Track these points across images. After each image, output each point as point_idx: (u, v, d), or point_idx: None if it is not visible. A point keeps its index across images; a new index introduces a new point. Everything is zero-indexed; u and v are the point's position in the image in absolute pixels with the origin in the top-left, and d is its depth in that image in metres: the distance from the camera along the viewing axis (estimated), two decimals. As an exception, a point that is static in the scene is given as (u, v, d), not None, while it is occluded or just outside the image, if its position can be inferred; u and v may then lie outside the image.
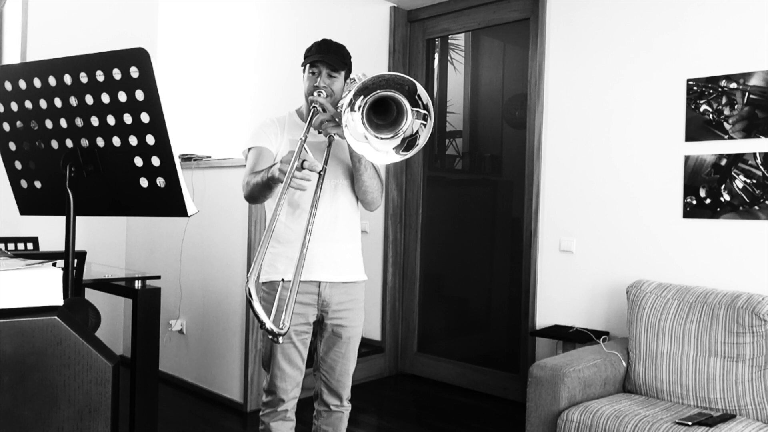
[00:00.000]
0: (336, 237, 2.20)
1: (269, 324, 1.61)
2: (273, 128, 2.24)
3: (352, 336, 2.27)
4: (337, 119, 1.99)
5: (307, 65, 2.20)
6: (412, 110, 1.81)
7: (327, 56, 2.16)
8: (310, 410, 2.37)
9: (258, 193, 2.08)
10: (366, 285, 2.35)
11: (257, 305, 1.60)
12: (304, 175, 1.82)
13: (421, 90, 1.79)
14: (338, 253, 2.21)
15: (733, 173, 2.97)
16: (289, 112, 2.31)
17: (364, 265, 2.34)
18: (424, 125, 1.82)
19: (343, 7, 4.56)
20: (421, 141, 1.83)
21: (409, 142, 1.85)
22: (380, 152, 1.85)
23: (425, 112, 1.81)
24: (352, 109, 1.79)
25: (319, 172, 1.93)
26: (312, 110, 2.07)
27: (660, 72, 3.22)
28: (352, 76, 2.24)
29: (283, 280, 2.03)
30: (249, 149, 2.22)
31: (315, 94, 2.12)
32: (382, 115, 1.86)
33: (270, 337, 1.62)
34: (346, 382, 2.29)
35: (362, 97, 1.79)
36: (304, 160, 1.82)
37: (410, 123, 1.83)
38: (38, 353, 1.12)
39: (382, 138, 1.84)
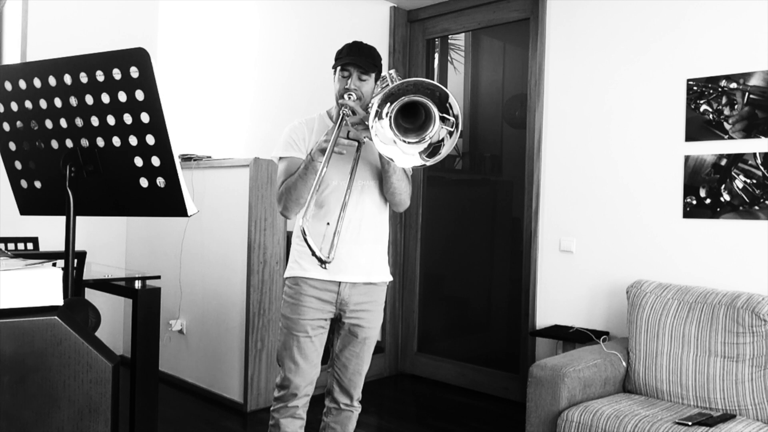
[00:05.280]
0: (360, 239, 2.20)
1: (318, 253, 1.89)
2: (301, 132, 2.25)
3: (368, 337, 2.27)
4: (366, 122, 1.99)
5: (338, 68, 2.20)
6: (440, 116, 1.84)
7: (358, 59, 2.16)
8: (320, 407, 2.38)
9: (301, 185, 2.09)
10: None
11: (310, 240, 1.89)
12: (349, 142, 2.02)
13: (452, 100, 1.81)
14: (362, 255, 2.21)
15: (733, 173, 2.97)
16: (319, 113, 2.31)
17: None
18: (450, 134, 1.84)
19: (343, 7, 4.56)
20: (444, 150, 1.86)
21: (434, 148, 1.87)
22: (407, 155, 1.88)
23: (453, 120, 1.83)
24: (380, 118, 1.83)
25: (359, 143, 2.08)
26: (341, 113, 2.07)
27: (660, 72, 3.22)
28: (382, 74, 2.25)
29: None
30: (280, 158, 2.24)
31: (345, 97, 2.12)
32: (410, 118, 1.88)
33: (319, 264, 1.92)
34: (357, 382, 2.30)
35: (389, 104, 1.83)
36: (348, 131, 2.02)
37: (437, 129, 1.85)
38: (38, 353, 1.12)
39: (409, 142, 1.87)
